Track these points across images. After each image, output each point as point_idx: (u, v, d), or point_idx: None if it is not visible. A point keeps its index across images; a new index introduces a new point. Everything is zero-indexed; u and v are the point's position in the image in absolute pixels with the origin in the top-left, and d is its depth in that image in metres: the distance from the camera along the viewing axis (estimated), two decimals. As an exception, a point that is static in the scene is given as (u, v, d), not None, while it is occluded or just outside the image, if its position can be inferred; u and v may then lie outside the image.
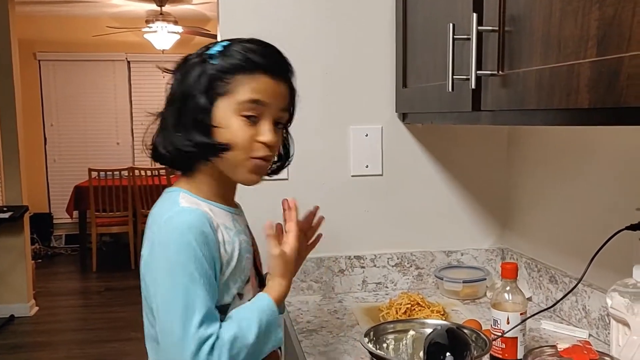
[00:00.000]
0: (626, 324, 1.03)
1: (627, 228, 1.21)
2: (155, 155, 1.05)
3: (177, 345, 0.92)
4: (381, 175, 1.71)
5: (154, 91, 6.62)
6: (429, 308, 1.47)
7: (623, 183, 1.29)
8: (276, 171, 1.15)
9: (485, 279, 1.64)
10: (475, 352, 0.90)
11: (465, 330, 1.08)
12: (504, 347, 1.18)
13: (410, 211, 1.73)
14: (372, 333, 1.09)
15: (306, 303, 1.61)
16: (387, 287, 1.72)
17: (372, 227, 1.72)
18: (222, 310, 1.00)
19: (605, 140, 1.34)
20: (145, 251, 1.00)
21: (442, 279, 1.64)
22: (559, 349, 1.07)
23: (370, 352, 1.01)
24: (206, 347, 0.92)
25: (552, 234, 1.57)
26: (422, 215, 1.74)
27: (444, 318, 1.45)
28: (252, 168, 1.03)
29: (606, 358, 1.04)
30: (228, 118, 1.00)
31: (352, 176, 1.70)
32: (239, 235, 1.06)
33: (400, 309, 1.47)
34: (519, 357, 1.18)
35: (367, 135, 1.69)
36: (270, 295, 1.02)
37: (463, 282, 1.61)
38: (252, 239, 1.15)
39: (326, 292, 1.69)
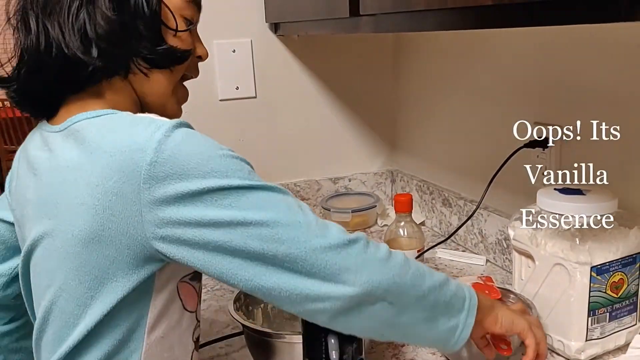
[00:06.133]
0: (530, 257, 0.92)
1: (526, 146, 1.09)
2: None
3: None
4: (254, 97, 1.49)
5: None
6: (315, 246, 1.31)
7: (521, 94, 1.15)
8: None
9: (376, 206, 1.50)
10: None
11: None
12: (398, 289, 1.04)
13: (291, 136, 1.53)
14: (243, 296, 0.91)
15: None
16: (269, 224, 1.54)
17: (248, 158, 1.51)
18: None
19: (503, 44, 1.18)
20: None
21: (330, 210, 1.48)
22: (458, 290, 0.95)
23: (242, 325, 0.82)
24: None
25: (444, 153, 1.44)
26: (304, 140, 1.55)
27: (332, 255, 1.30)
28: (182, 97, 0.78)
29: (510, 295, 0.93)
30: (174, 14, 0.71)
31: (221, 100, 1.46)
32: None
33: (283, 250, 1.29)
34: (414, 299, 1.05)
35: (234, 51, 1.44)
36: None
37: (352, 212, 1.46)
38: None
39: (201, 236, 1.48)
